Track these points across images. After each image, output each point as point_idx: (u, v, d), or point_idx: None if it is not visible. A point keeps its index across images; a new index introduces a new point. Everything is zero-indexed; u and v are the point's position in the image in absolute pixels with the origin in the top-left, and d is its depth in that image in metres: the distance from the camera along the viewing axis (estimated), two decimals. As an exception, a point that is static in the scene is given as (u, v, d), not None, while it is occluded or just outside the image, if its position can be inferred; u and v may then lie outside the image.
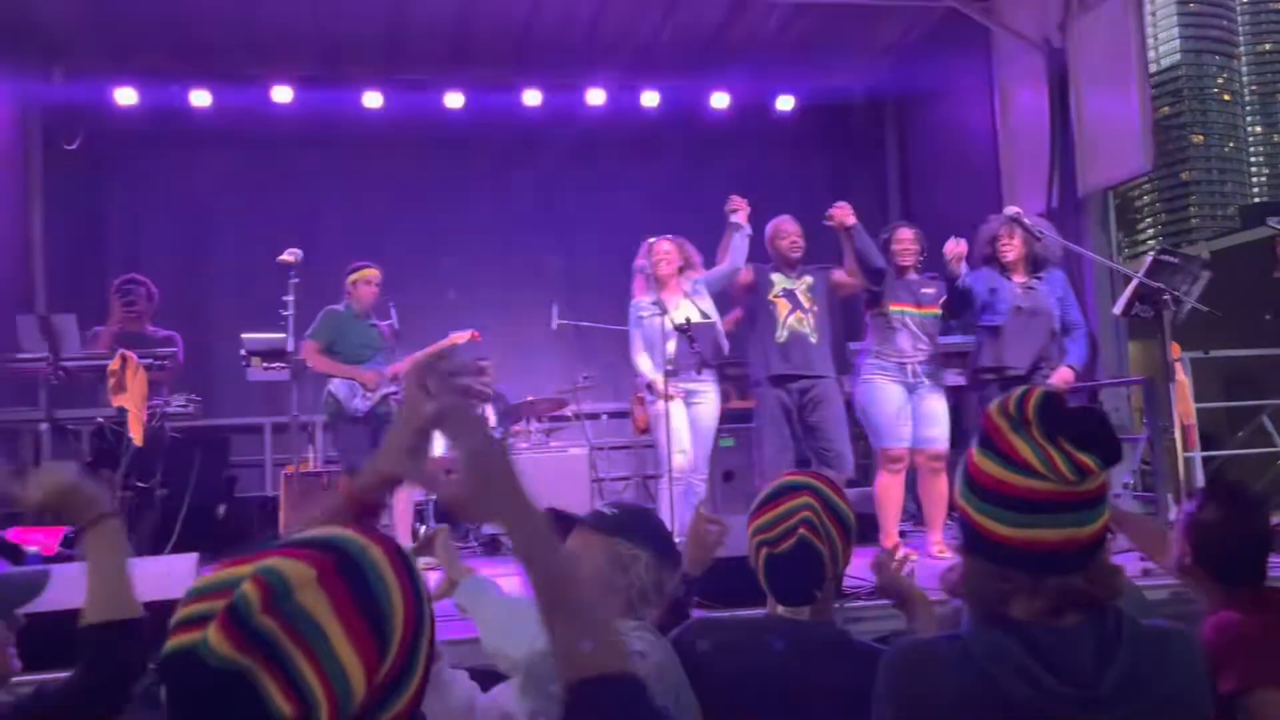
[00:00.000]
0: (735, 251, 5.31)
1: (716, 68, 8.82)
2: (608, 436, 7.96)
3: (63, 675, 1.66)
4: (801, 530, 1.85)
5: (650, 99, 8.89)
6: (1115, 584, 1.31)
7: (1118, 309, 4.73)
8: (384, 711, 0.94)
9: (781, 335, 5.19)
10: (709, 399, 5.20)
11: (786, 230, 5.45)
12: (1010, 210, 5.08)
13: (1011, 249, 5.06)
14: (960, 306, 5.17)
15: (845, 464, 5.11)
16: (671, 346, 5.09)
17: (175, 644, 0.89)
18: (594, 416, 7.80)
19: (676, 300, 5.22)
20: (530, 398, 7.29)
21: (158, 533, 5.58)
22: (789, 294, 5.29)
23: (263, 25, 7.78)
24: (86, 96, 8.00)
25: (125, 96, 8.06)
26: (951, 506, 5.75)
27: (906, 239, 5.33)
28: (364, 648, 0.91)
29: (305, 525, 1.16)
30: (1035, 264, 5.11)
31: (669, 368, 5.09)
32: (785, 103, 9.26)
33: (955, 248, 4.96)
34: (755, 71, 8.82)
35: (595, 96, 8.76)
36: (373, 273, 5.81)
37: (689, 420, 5.17)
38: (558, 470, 6.42)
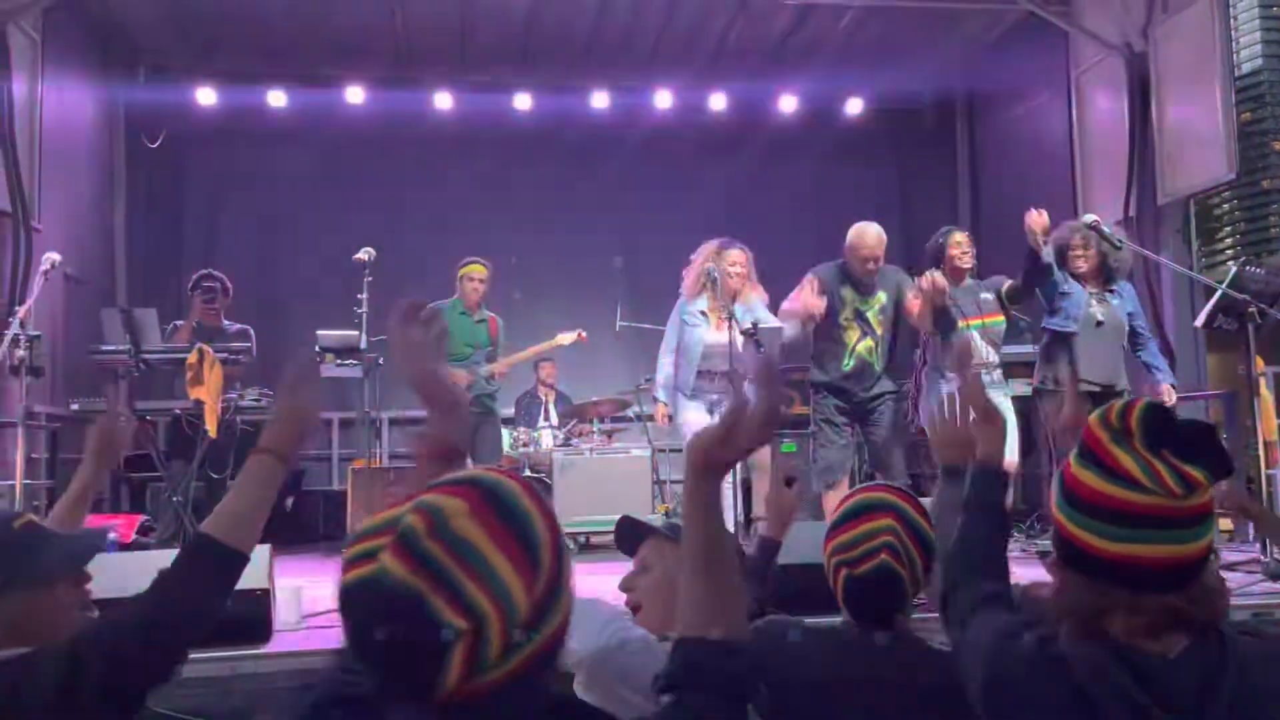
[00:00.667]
0: (798, 330, 5.08)
1: (784, 71, 8.78)
2: (669, 439, 7.95)
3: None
4: (883, 555, 1.79)
5: (718, 102, 8.88)
6: (1217, 606, 1.27)
7: (1200, 321, 4.60)
8: (544, 625, 1.02)
9: (848, 364, 5.05)
10: None
11: (867, 244, 5.04)
12: (1089, 218, 4.94)
13: (1085, 260, 4.90)
14: (1039, 282, 4.91)
15: (897, 476, 5.07)
16: (716, 361, 5.04)
17: (353, 576, 0.99)
18: (654, 418, 7.79)
19: (722, 317, 5.02)
20: (593, 398, 7.31)
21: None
22: (861, 317, 5.07)
23: (337, 27, 7.93)
24: (168, 96, 8.24)
25: (205, 96, 8.28)
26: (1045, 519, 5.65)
27: (964, 242, 5.17)
28: (519, 566, 1.00)
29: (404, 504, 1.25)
30: (1107, 276, 4.95)
31: (701, 377, 5.06)
32: (853, 106, 9.17)
33: (1039, 219, 4.72)
34: (823, 75, 8.75)
35: (663, 99, 8.77)
36: (475, 269, 5.86)
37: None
38: (620, 472, 6.43)
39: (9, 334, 4.22)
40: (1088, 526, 1.27)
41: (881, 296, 5.11)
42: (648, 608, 1.96)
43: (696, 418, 5.10)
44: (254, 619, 3.35)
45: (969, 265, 5.15)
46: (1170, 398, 4.76)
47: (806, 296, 4.91)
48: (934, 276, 4.83)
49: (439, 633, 0.95)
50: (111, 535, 5.34)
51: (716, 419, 3.97)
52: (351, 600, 0.99)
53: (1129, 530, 1.24)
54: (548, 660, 1.05)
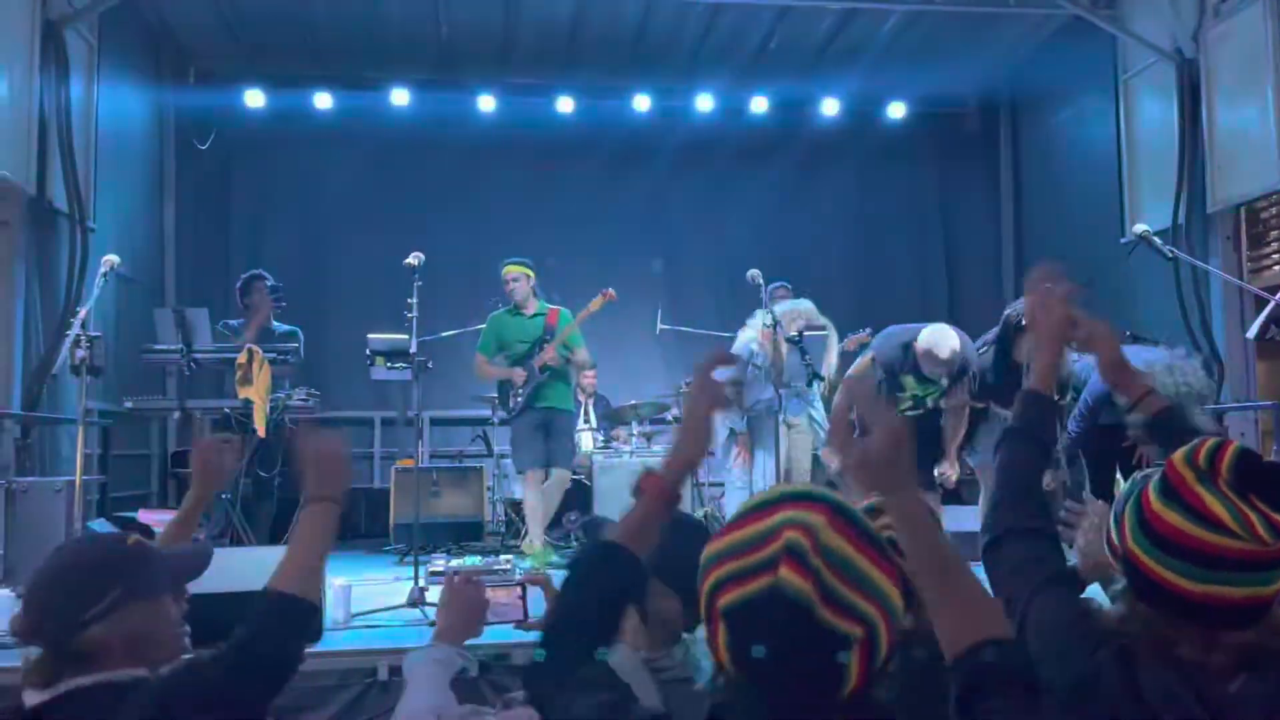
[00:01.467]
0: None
1: (827, 74, 8.74)
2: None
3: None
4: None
5: (759, 105, 8.87)
6: None
7: (1251, 333, 4.53)
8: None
9: (896, 408, 4.88)
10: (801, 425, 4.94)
11: (939, 359, 4.70)
12: (1139, 228, 4.88)
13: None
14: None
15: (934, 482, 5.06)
16: (783, 355, 5.04)
17: (741, 593, 1.02)
18: (695, 422, 7.81)
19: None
20: (633, 401, 7.34)
21: (275, 521, 5.81)
22: (918, 401, 4.91)
23: (382, 30, 8.02)
24: (217, 99, 8.38)
25: (253, 99, 8.40)
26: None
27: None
28: (886, 571, 1.06)
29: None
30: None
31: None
32: (896, 110, 9.12)
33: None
34: (866, 78, 8.70)
35: (705, 102, 8.78)
36: (507, 269, 5.94)
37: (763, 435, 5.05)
38: (659, 475, 6.44)
39: (70, 334, 4.32)
40: (1170, 565, 1.27)
41: (944, 383, 4.87)
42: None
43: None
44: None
45: None
46: None
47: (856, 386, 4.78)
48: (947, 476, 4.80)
49: (836, 640, 1.00)
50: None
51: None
52: (744, 616, 1.02)
53: (1214, 572, 1.24)
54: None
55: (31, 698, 1.65)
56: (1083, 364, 4.84)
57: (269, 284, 6.06)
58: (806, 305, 5.26)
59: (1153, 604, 1.30)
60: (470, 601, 2.03)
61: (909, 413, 4.90)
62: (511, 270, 5.92)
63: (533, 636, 1.41)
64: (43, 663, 1.66)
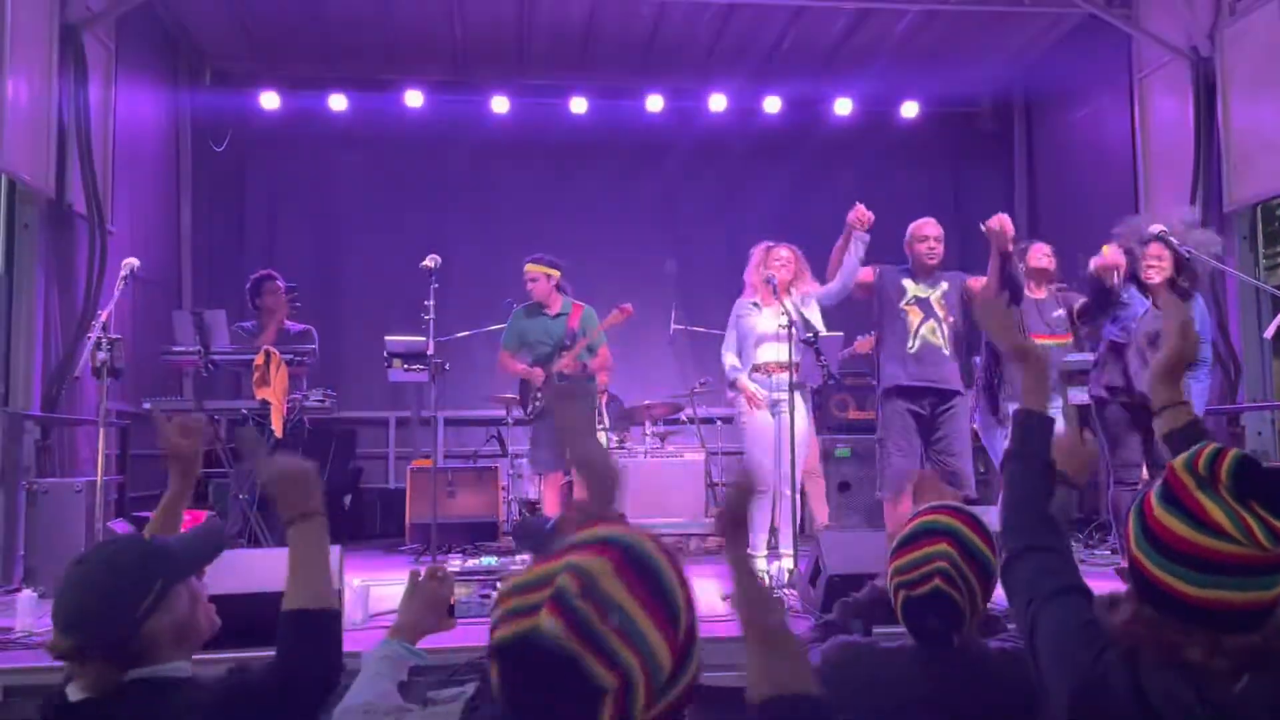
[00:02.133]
0: (848, 266, 5.06)
1: (840, 74, 8.74)
2: (723, 441, 7.97)
3: (265, 654, 1.74)
4: (937, 580, 1.85)
5: (773, 105, 8.87)
6: None
7: (1269, 332, 4.52)
8: (683, 676, 1.08)
9: (913, 345, 4.96)
10: (798, 411, 4.93)
11: (926, 234, 5.16)
12: (1155, 228, 4.86)
13: (1158, 270, 4.76)
14: (1112, 309, 4.85)
15: (968, 482, 4.98)
16: (768, 351, 5.05)
17: (510, 632, 1.04)
18: (708, 421, 7.83)
19: (778, 307, 4.98)
20: (646, 401, 7.35)
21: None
22: (922, 302, 5.04)
23: (396, 32, 8.07)
24: (233, 101, 8.43)
25: (269, 101, 8.44)
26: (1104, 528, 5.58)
27: (1046, 251, 5.13)
28: (661, 625, 1.06)
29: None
30: (1179, 291, 4.78)
31: (757, 371, 5.09)
32: (909, 109, 9.10)
33: (1115, 258, 4.67)
34: (879, 78, 8.70)
35: (718, 102, 8.78)
36: (528, 268, 5.93)
37: (775, 430, 5.04)
38: (674, 475, 6.47)
39: (92, 337, 4.36)
40: (1171, 570, 1.29)
41: (944, 284, 5.09)
42: None
43: (762, 419, 5.06)
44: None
45: (1050, 267, 5.22)
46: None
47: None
48: (1002, 216, 4.82)
49: (591, 688, 1.01)
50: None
51: (777, 421, 3.95)
52: (509, 654, 1.04)
53: (1214, 577, 1.26)
54: (680, 711, 1.10)
55: (77, 692, 1.69)
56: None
57: (284, 285, 6.07)
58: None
59: (1157, 608, 1.31)
60: (435, 598, 2.02)
61: (920, 327, 5.02)
62: (530, 270, 5.92)
63: None
64: (103, 669, 1.68)
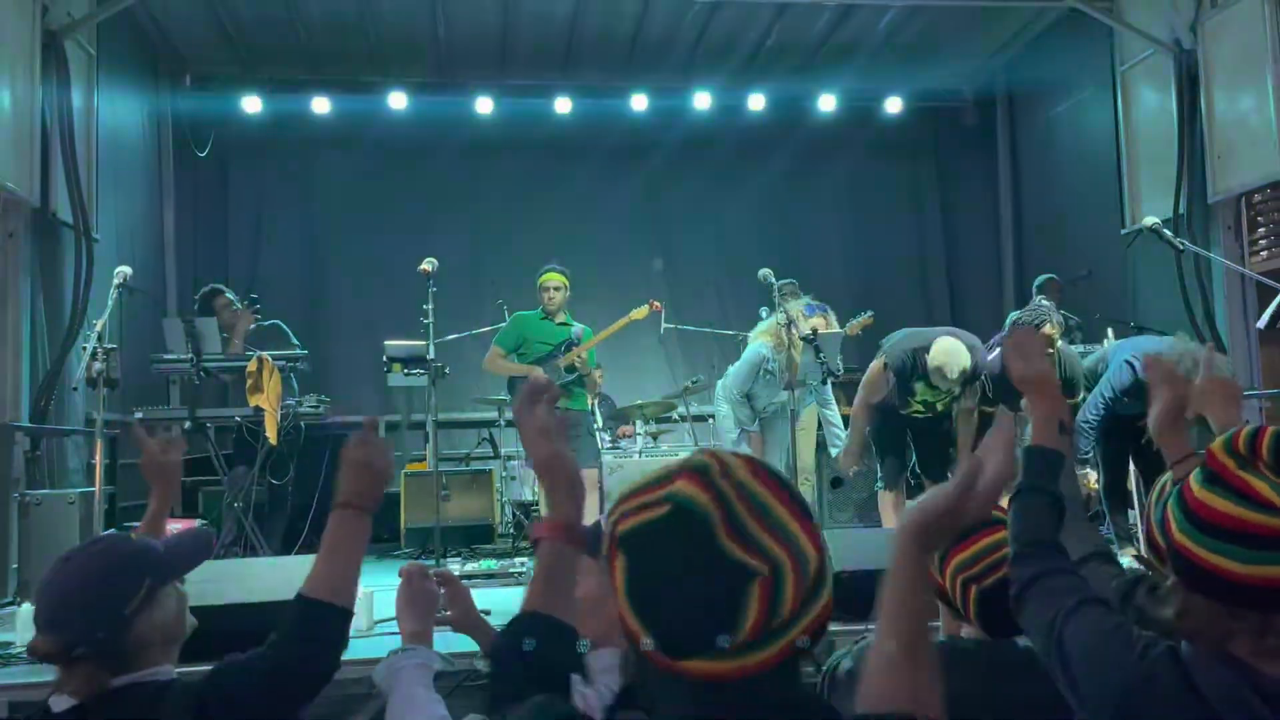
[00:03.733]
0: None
1: (824, 70, 8.76)
2: (712, 439, 7.99)
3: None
4: (1007, 566, 1.76)
5: (757, 102, 8.87)
6: None
7: (1261, 322, 4.57)
8: (821, 592, 0.98)
9: (906, 410, 4.97)
10: (808, 409, 4.96)
11: (948, 377, 4.71)
12: (1148, 221, 4.91)
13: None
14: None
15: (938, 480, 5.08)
16: (797, 354, 5.04)
17: (642, 519, 0.95)
18: (701, 419, 7.83)
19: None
20: (638, 401, 7.34)
21: (288, 529, 5.80)
22: (929, 405, 4.95)
23: (379, 34, 8.02)
24: (215, 105, 8.36)
25: (251, 104, 8.37)
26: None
27: (1050, 335, 4.75)
28: (800, 520, 0.97)
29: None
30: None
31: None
32: (893, 104, 9.14)
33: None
34: (863, 73, 8.73)
35: (703, 100, 8.78)
36: (549, 277, 5.85)
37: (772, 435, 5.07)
38: (668, 474, 6.45)
39: (88, 348, 4.31)
40: (1220, 549, 1.28)
41: (956, 389, 4.89)
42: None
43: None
44: (331, 626, 3.41)
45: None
46: None
47: (870, 394, 4.89)
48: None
49: (738, 574, 0.91)
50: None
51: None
52: (642, 540, 0.96)
53: (1264, 553, 1.25)
54: (823, 627, 1.00)
55: (61, 703, 1.64)
56: (1101, 353, 4.90)
57: (235, 297, 5.98)
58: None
59: (1206, 593, 1.31)
60: (427, 596, 1.99)
61: (917, 415, 4.91)
62: (555, 278, 5.84)
63: None
64: (91, 672, 1.65)
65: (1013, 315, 5.00)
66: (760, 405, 5.17)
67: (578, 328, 5.92)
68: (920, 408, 4.89)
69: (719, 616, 0.92)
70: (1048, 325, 4.61)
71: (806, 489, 6.51)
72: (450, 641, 2.21)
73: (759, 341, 5.25)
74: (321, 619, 1.69)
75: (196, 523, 5.93)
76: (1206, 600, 1.31)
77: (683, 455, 1.01)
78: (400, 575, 2.01)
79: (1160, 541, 1.60)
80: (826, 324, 5.18)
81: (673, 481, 0.96)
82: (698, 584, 0.93)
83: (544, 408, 1.49)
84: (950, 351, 4.66)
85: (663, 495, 0.96)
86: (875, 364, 4.94)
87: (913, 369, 4.77)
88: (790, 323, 4.75)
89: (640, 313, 5.90)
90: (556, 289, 5.82)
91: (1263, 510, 1.26)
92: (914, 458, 5.08)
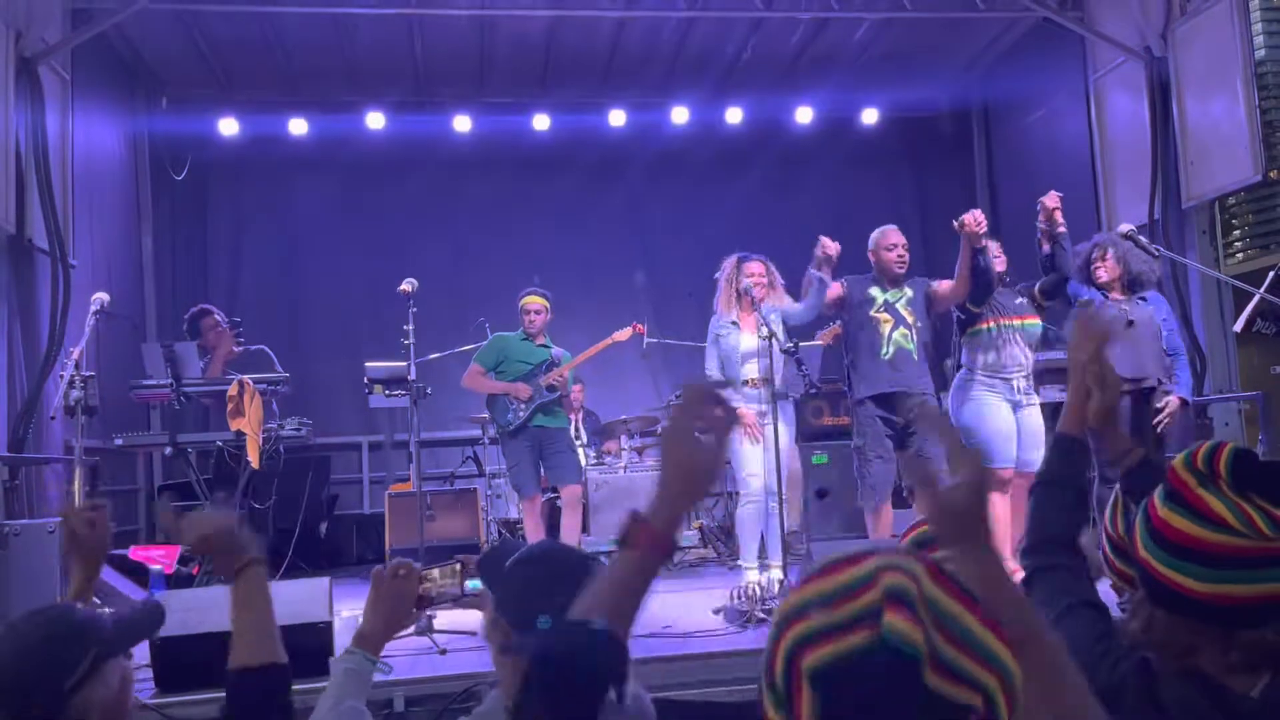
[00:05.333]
0: (814, 295, 5.04)
1: (800, 83, 8.83)
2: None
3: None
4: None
5: (734, 115, 8.91)
6: None
7: (1238, 326, 4.61)
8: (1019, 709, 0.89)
9: (886, 352, 4.97)
10: (781, 422, 4.91)
11: (894, 242, 5.15)
12: (1124, 227, 4.95)
13: (1105, 269, 4.89)
14: (1053, 279, 5.02)
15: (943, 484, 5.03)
16: (753, 368, 5.03)
17: (834, 650, 0.84)
18: (684, 433, 7.82)
19: (754, 320, 5.05)
20: (622, 416, 7.35)
21: (270, 553, 5.75)
22: (890, 308, 5.06)
23: (356, 54, 8.02)
24: (191, 127, 8.33)
25: (228, 126, 8.35)
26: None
27: (995, 249, 5.14)
28: (997, 634, 0.88)
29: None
30: (1133, 286, 4.91)
31: (746, 388, 5.07)
32: (869, 116, 9.20)
33: (1050, 200, 4.93)
34: (839, 86, 8.80)
35: (679, 115, 8.81)
36: (529, 300, 5.86)
37: (762, 440, 5.04)
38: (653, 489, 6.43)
39: (66, 375, 4.28)
40: (1179, 568, 1.30)
41: (909, 290, 5.12)
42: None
43: (751, 439, 5.05)
44: (317, 651, 3.38)
45: (1001, 270, 5.13)
46: (1172, 412, 4.76)
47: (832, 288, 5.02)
48: (975, 212, 4.87)
49: (949, 710, 0.83)
50: (157, 567, 5.40)
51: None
52: (839, 678, 0.84)
53: (1221, 571, 1.27)
54: None
55: None
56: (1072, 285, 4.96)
57: (223, 318, 5.98)
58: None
59: (1169, 609, 1.32)
60: (402, 596, 1.95)
61: (892, 332, 5.00)
62: (536, 301, 5.85)
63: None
64: None
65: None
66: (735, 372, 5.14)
67: (558, 350, 5.92)
68: (883, 311, 5.02)
69: None
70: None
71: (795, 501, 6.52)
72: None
73: (713, 319, 5.28)
74: (261, 684, 1.66)
75: (178, 549, 5.88)
76: (1169, 615, 1.33)
77: (860, 566, 0.89)
78: (370, 577, 1.98)
79: (1112, 557, 1.62)
80: (767, 270, 5.22)
81: (865, 600, 0.85)
82: None
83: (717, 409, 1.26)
84: (881, 227, 5.23)
85: (853, 616, 0.85)
86: (833, 287, 5.09)
87: (863, 279, 5.14)
88: (773, 335, 4.75)
89: (623, 334, 5.92)
90: (537, 312, 5.81)
91: (1221, 530, 1.28)
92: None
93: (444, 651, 3.95)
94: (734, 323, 5.21)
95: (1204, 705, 1.27)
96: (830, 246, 4.95)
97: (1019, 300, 5.17)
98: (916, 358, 5.07)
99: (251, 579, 1.70)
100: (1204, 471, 1.31)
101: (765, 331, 4.72)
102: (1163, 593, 1.33)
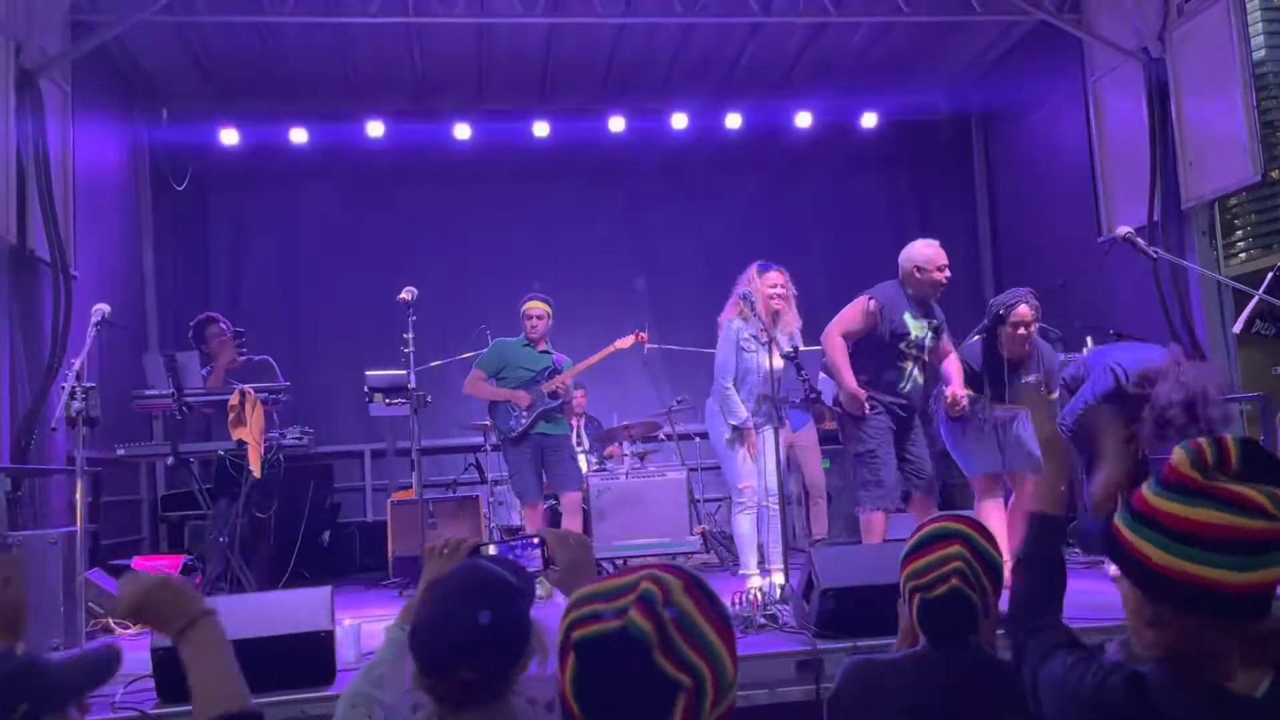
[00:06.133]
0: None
1: (799, 88, 8.85)
2: (701, 458, 7.99)
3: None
4: (954, 580, 1.90)
5: (733, 121, 8.91)
6: None
7: (1237, 327, 4.60)
8: (729, 694, 1.18)
9: (904, 387, 4.92)
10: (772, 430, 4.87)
11: (944, 263, 4.92)
12: (1121, 230, 4.96)
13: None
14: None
15: (936, 488, 5.10)
16: (767, 386, 4.95)
17: (594, 630, 1.14)
18: (686, 438, 7.83)
19: (780, 335, 4.96)
20: (625, 422, 7.35)
21: (272, 562, 5.77)
22: (919, 346, 4.95)
23: (356, 64, 8.04)
24: (192, 138, 8.35)
25: (228, 137, 8.38)
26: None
27: (1026, 317, 4.83)
28: (725, 641, 1.17)
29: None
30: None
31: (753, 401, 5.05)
32: (869, 120, 9.21)
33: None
34: (838, 90, 8.82)
35: (679, 120, 8.82)
36: (531, 306, 5.84)
37: (758, 447, 5.04)
38: (656, 494, 6.46)
39: (66, 387, 4.29)
40: (1211, 562, 1.29)
41: (935, 320, 5.00)
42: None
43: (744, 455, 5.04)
44: (319, 661, 3.39)
45: (1023, 352, 4.94)
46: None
47: (845, 327, 4.91)
48: (958, 397, 4.83)
49: (666, 685, 1.11)
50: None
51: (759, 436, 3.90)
52: (592, 649, 1.14)
53: (1257, 559, 1.27)
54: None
55: None
56: (1081, 360, 4.95)
57: (228, 327, 6.00)
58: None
59: (1200, 610, 1.30)
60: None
61: (913, 372, 4.94)
62: (538, 306, 5.83)
63: None
64: None
65: (993, 302, 5.07)
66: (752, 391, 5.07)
67: (559, 356, 5.92)
68: (911, 349, 4.90)
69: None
70: (1023, 306, 4.78)
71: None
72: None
73: (727, 320, 5.24)
74: None
75: (181, 560, 5.89)
76: (1184, 615, 1.31)
77: (635, 574, 1.18)
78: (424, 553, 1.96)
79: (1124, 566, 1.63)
80: (783, 279, 5.17)
81: (625, 600, 1.14)
82: (634, 692, 1.12)
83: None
84: (924, 241, 5.04)
85: (614, 609, 1.14)
86: (859, 301, 4.95)
87: (899, 296, 4.93)
88: (772, 340, 4.74)
89: (625, 343, 5.91)
90: (539, 317, 5.81)
91: (1255, 516, 1.27)
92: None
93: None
94: (755, 338, 5.00)
95: (1204, 709, 1.27)
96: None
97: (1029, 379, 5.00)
98: (922, 390, 5.10)
99: (202, 633, 1.55)
100: (1213, 464, 1.31)
101: (791, 350, 4.67)
102: (1191, 592, 1.30)
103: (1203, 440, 1.34)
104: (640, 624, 1.11)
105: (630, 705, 1.12)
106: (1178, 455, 1.35)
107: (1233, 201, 6.44)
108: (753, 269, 5.21)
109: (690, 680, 1.11)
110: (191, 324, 6.21)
